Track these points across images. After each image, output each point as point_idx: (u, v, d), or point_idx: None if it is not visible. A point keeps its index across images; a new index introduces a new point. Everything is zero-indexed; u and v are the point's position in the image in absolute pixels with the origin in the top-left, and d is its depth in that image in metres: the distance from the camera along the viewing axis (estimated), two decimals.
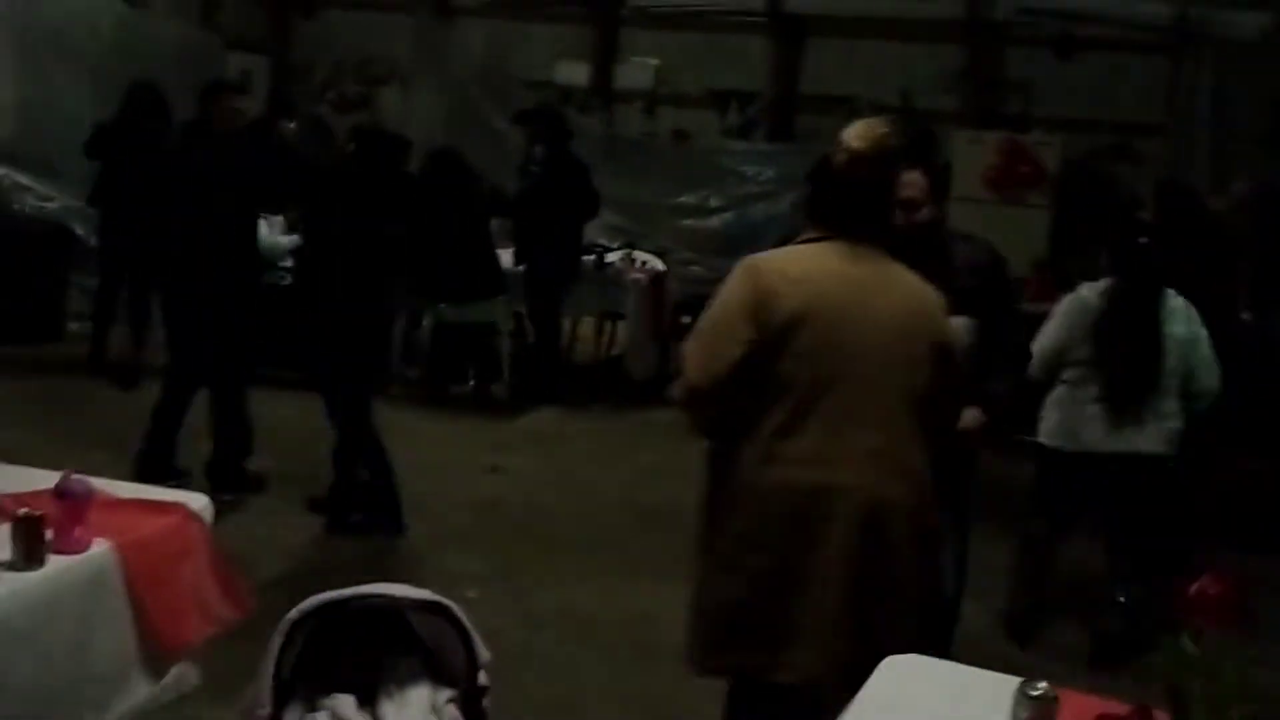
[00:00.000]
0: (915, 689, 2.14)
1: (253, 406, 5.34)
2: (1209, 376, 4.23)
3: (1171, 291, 4.25)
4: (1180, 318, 4.22)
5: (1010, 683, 1.89)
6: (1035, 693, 1.85)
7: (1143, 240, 4.42)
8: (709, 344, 2.68)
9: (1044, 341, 4.25)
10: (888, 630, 2.57)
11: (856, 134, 2.67)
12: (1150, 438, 4.18)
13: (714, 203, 9.37)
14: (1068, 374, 4.26)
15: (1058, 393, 4.27)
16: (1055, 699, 1.85)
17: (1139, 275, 4.24)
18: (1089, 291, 4.31)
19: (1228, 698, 1.64)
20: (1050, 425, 4.27)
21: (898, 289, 2.69)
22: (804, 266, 2.69)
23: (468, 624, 2.68)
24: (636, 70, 10.20)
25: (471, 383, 7.44)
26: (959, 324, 3.07)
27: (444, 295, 6.99)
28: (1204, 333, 4.23)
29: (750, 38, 9.93)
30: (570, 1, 10.37)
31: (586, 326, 8.50)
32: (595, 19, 10.41)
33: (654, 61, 10.15)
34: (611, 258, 8.06)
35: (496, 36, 10.37)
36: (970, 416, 3.36)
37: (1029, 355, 4.03)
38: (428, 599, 2.67)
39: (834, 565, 2.57)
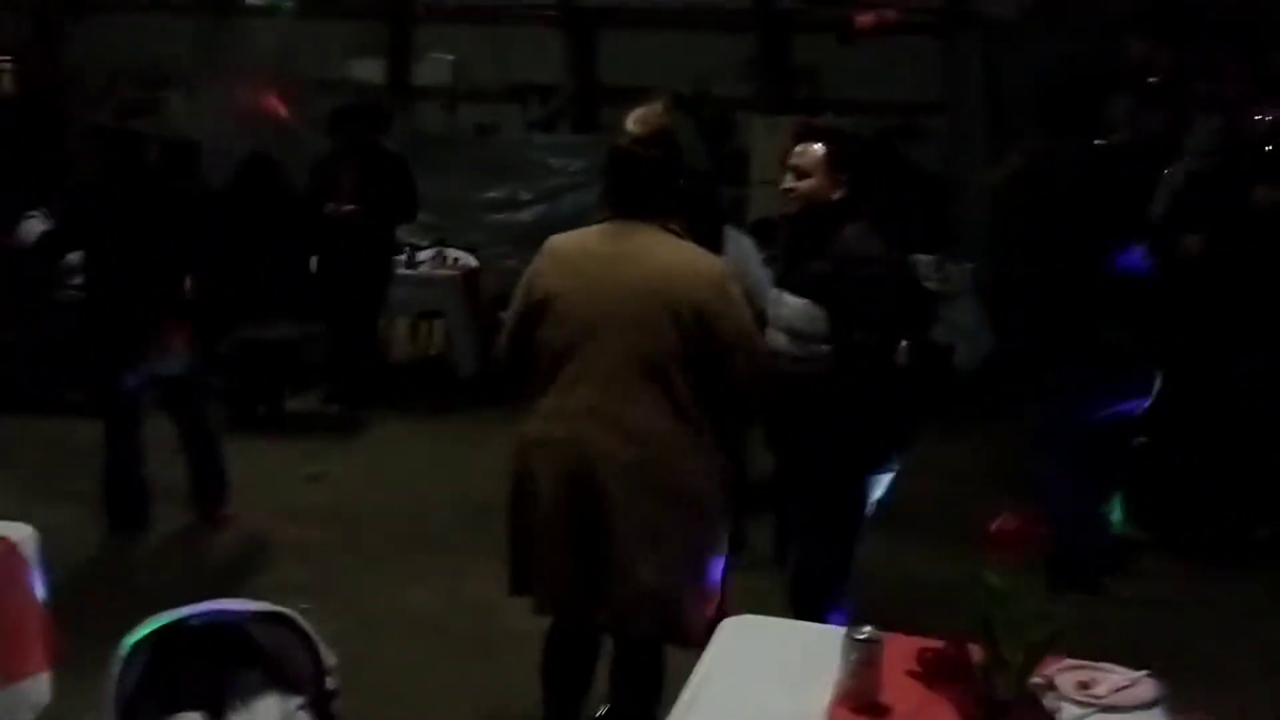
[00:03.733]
0: (755, 646, 2.27)
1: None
2: (761, 298, 4.82)
3: (729, 225, 4.85)
4: (735, 249, 4.77)
5: (840, 631, 2.03)
6: (861, 636, 2.00)
7: (707, 181, 4.89)
8: (508, 318, 3.14)
9: None
10: (640, 577, 2.85)
11: (634, 119, 2.97)
12: None
13: (524, 196, 9.41)
14: None
15: None
16: (880, 640, 2.01)
17: (702, 212, 4.72)
18: None
19: (1026, 623, 1.83)
20: None
21: (650, 260, 2.91)
22: (573, 245, 3.03)
23: (310, 631, 2.69)
24: (434, 66, 10.11)
25: (283, 396, 7.22)
26: (795, 304, 3.25)
27: (243, 313, 6.67)
28: (758, 259, 4.91)
29: (545, 31, 9.98)
30: None
31: (401, 327, 8.43)
32: (387, 15, 10.28)
33: (451, 57, 10.08)
34: (422, 256, 8.02)
35: (285, 35, 10.10)
36: None
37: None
38: (268, 610, 2.66)
39: (551, 511, 2.92)
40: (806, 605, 3.27)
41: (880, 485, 3.34)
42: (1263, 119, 8.67)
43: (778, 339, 3.34)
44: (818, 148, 3.32)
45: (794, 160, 3.35)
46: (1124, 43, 9.31)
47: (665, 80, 9.56)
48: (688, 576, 2.91)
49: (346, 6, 10.23)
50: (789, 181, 3.35)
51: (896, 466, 3.35)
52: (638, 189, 2.97)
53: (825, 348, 3.23)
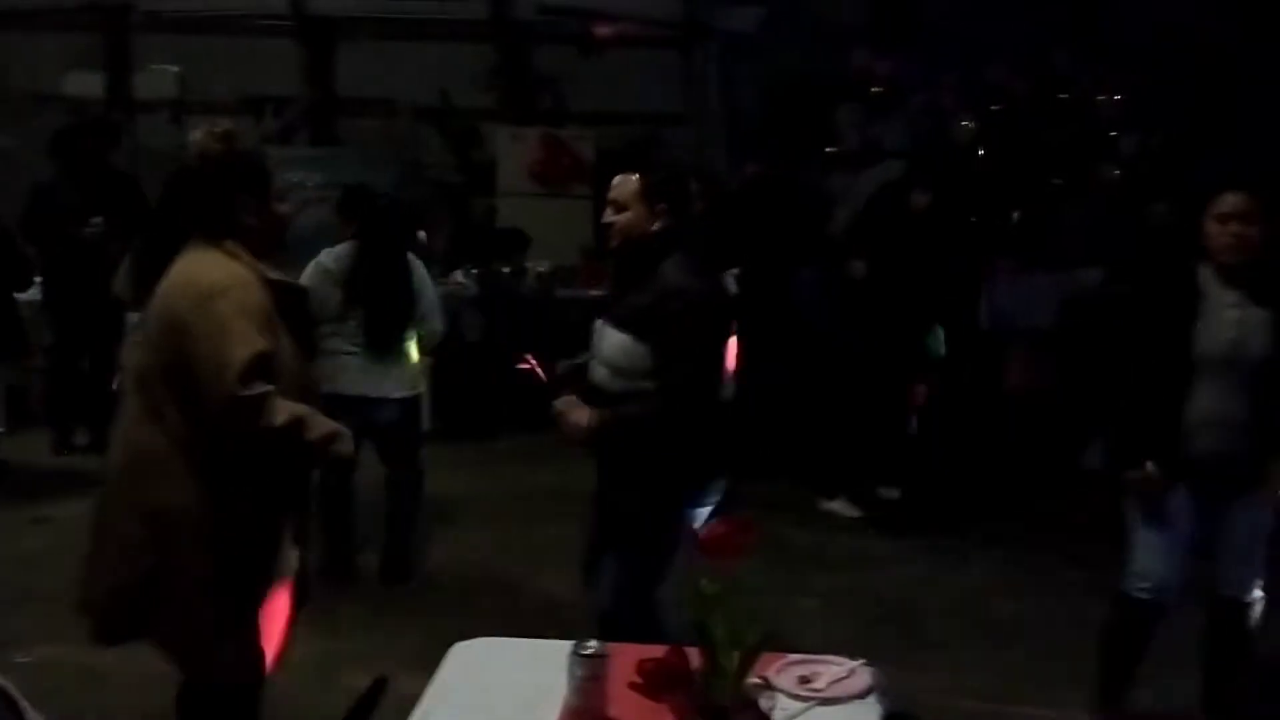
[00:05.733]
0: (486, 668, 2.24)
1: None
2: (435, 320, 4.98)
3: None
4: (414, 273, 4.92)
5: (566, 646, 2.02)
6: (586, 652, 2.00)
7: (383, 203, 5.00)
8: None
9: None
10: (89, 577, 2.96)
11: (194, 140, 2.98)
12: (397, 382, 4.82)
13: None
14: (325, 329, 4.64)
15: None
16: (605, 655, 2.01)
17: (380, 236, 4.83)
18: (326, 258, 4.79)
19: (742, 625, 1.87)
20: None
21: (170, 276, 2.86)
22: None
23: (14, 693, 2.48)
24: (157, 79, 9.59)
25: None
26: (614, 339, 3.16)
27: None
28: (429, 283, 4.99)
29: (279, 41, 9.65)
30: (74, 8, 9.58)
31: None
32: (104, 26, 9.69)
33: (175, 69, 9.60)
34: None
35: None
36: (579, 414, 3.22)
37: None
38: None
39: None
40: (616, 635, 3.18)
41: (699, 517, 3.20)
42: (969, 125, 9.31)
43: (598, 372, 3.24)
44: (633, 179, 3.23)
45: (611, 193, 3.26)
46: (850, 55, 9.83)
47: (406, 91, 9.52)
48: (147, 590, 2.85)
49: (60, 17, 9.58)
50: (609, 215, 3.26)
51: (715, 497, 3.26)
52: (190, 210, 2.96)
53: (647, 383, 3.13)
